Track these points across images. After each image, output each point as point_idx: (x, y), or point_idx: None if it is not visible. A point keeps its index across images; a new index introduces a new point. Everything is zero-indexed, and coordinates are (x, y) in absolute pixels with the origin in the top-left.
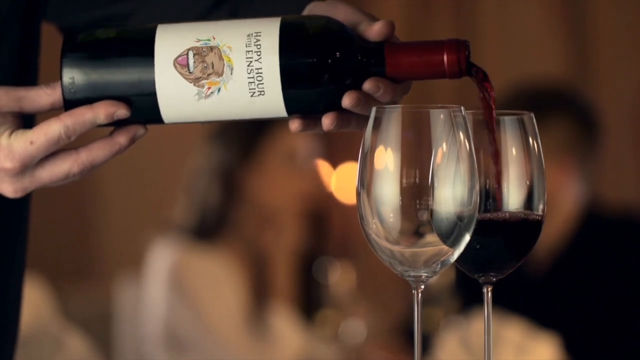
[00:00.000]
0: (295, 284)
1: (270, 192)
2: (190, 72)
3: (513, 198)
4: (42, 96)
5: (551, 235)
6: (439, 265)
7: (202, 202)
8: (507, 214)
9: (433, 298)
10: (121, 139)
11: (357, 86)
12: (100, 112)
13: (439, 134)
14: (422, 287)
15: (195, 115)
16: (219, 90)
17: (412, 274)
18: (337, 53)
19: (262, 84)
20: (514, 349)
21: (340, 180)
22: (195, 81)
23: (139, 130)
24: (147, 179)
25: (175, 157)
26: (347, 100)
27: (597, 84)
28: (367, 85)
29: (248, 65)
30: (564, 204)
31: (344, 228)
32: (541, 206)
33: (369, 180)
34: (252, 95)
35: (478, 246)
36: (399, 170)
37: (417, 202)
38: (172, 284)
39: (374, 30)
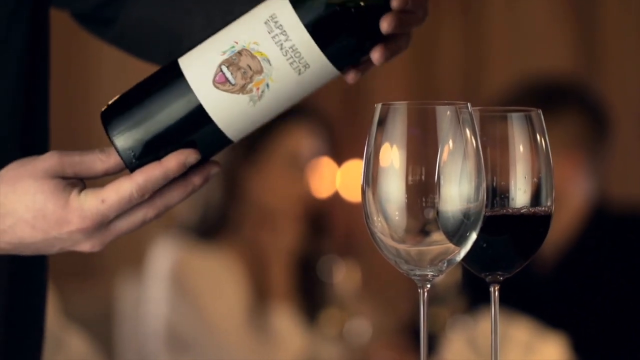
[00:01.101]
0: (299, 283)
1: (272, 192)
2: (233, 85)
3: (520, 195)
4: (97, 163)
5: (559, 233)
6: (445, 264)
7: (205, 201)
8: (514, 212)
9: (439, 297)
10: (195, 179)
11: (388, 9)
12: (171, 165)
13: (445, 130)
14: (428, 286)
15: (259, 118)
16: (267, 85)
17: (418, 272)
18: None
19: (303, 57)
20: (521, 348)
21: (345, 178)
22: (242, 89)
23: (212, 169)
24: None
25: None
26: (385, 26)
27: (605, 79)
28: (396, 3)
29: (281, 49)
30: (572, 200)
31: (349, 226)
32: (549, 203)
33: (374, 178)
34: (299, 73)
35: (485, 244)
36: (405, 167)
37: (423, 199)
38: (173, 284)
39: None
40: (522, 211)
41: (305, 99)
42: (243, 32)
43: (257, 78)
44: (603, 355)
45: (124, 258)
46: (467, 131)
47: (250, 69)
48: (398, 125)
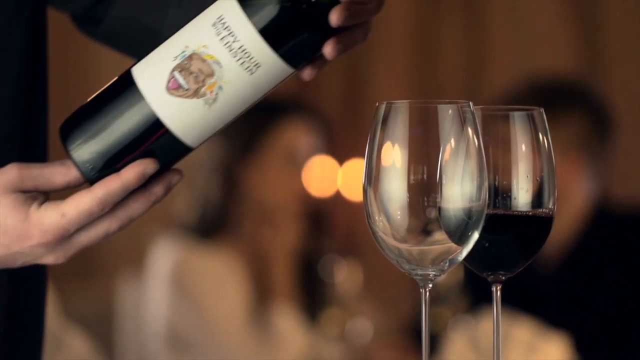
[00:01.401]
0: (300, 283)
1: (270, 190)
2: (186, 90)
3: (523, 194)
4: (57, 176)
5: (561, 233)
6: (447, 264)
7: (203, 199)
8: (516, 211)
9: (441, 297)
10: (157, 189)
11: (337, 1)
12: (130, 177)
13: (447, 129)
14: (430, 285)
15: (216, 121)
16: (220, 87)
17: (420, 272)
18: None
19: (253, 57)
20: (523, 349)
21: (347, 177)
22: (196, 94)
23: (173, 178)
24: None
25: None
26: (334, 19)
27: (608, 79)
28: None
29: (230, 50)
30: (574, 200)
31: (350, 226)
32: (551, 203)
33: (375, 177)
34: (251, 73)
35: (487, 244)
36: (407, 166)
37: (425, 199)
38: (174, 283)
39: None
40: (524, 211)
41: (305, 96)
42: (193, 36)
43: (209, 81)
44: (605, 355)
45: (124, 258)
46: (469, 130)
47: (202, 72)
48: (400, 124)
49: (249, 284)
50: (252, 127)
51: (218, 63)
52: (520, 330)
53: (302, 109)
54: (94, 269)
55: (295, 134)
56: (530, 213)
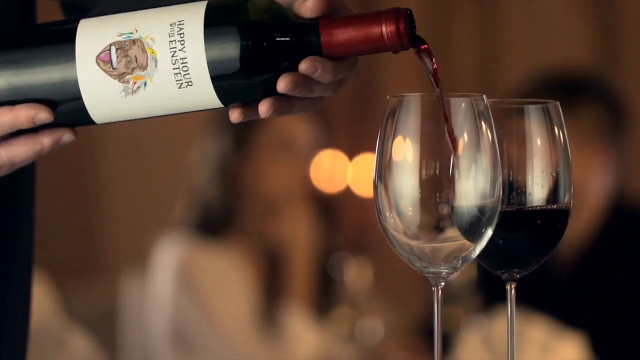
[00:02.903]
0: (308, 279)
1: (267, 179)
2: (113, 68)
3: (538, 190)
4: None
5: (577, 229)
6: (460, 261)
7: (204, 196)
8: (531, 207)
9: (454, 295)
10: (45, 139)
11: (294, 68)
12: (21, 114)
13: (460, 123)
14: (442, 284)
15: (125, 112)
16: (145, 84)
17: (432, 270)
18: (268, 36)
19: (189, 74)
20: (538, 349)
21: (357, 173)
22: (120, 77)
23: (65, 134)
24: (152, 174)
25: (180, 153)
26: (282, 85)
27: (625, 71)
28: (303, 66)
29: (172, 56)
30: (590, 196)
31: (360, 222)
32: (567, 198)
33: (386, 172)
34: (179, 87)
35: (501, 241)
36: (418, 161)
37: (437, 195)
38: (178, 282)
39: (307, 6)
40: (539, 207)
41: None
42: (147, 24)
43: (138, 73)
44: (623, 355)
45: (128, 255)
46: (483, 124)
47: (136, 61)
48: (411, 117)
49: (255, 282)
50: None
51: (155, 61)
52: (535, 329)
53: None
54: (97, 267)
55: (292, 123)
56: (545, 209)
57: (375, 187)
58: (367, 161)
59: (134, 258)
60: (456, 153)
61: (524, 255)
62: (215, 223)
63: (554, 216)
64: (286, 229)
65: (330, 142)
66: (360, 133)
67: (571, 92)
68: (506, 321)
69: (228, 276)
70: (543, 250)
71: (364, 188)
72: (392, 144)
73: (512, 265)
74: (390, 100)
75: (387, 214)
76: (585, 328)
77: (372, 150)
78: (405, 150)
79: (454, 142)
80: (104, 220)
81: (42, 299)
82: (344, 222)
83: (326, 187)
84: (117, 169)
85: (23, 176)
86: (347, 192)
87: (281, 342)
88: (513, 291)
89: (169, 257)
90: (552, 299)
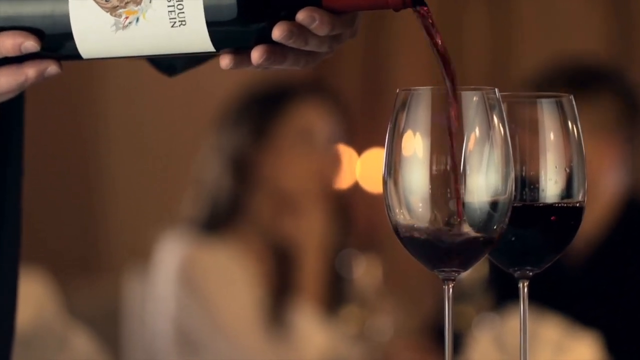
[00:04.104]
0: (317, 277)
1: (286, 173)
2: (106, 1)
3: (551, 186)
4: None
5: (592, 225)
6: None
7: (213, 190)
8: (544, 203)
9: (465, 294)
10: (29, 70)
11: (291, 18)
12: (7, 42)
13: (471, 117)
14: (453, 282)
15: (114, 48)
16: (137, 20)
17: (443, 268)
18: None
19: (183, 12)
20: (551, 348)
21: (366, 168)
22: (112, 10)
23: (50, 66)
24: (156, 168)
25: (185, 147)
26: (277, 32)
27: None
28: (301, 16)
29: None
30: (605, 191)
31: (370, 219)
32: (581, 194)
33: (396, 168)
34: (172, 26)
35: (513, 238)
36: (429, 156)
37: (448, 190)
38: (182, 281)
39: None
40: (552, 203)
41: (322, 79)
42: None
43: (131, 7)
44: (639, 355)
45: (130, 253)
46: (495, 118)
47: None
48: (421, 111)
49: (262, 280)
50: (263, 108)
51: None
52: (548, 328)
53: (318, 91)
54: (99, 265)
55: (312, 115)
56: (559, 205)
57: (385, 183)
58: (377, 156)
59: (137, 255)
60: (453, 137)
61: (537, 253)
62: (223, 218)
63: (567, 213)
64: (298, 225)
65: (340, 131)
66: (370, 127)
67: (585, 82)
68: (519, 320)
69: (234, 274)
70: (556, 248)
71: (373, 184)
72: (402, 139)
73: (524, 262)
74: (400, 93)
75: (397, 210)
76: (600, 327)
77: (382, 145)
78: (416, 145)
79: (452, 124)
80: (107, 215)
81: (42, 297)
82: (353, 218)
83: (339, 182)
84: (121, 160)
85: (8, 168)
86: (356, 188)
87: (289, 341)
88: (526, 289)
89: (173, 254)
90: (565, 297)
